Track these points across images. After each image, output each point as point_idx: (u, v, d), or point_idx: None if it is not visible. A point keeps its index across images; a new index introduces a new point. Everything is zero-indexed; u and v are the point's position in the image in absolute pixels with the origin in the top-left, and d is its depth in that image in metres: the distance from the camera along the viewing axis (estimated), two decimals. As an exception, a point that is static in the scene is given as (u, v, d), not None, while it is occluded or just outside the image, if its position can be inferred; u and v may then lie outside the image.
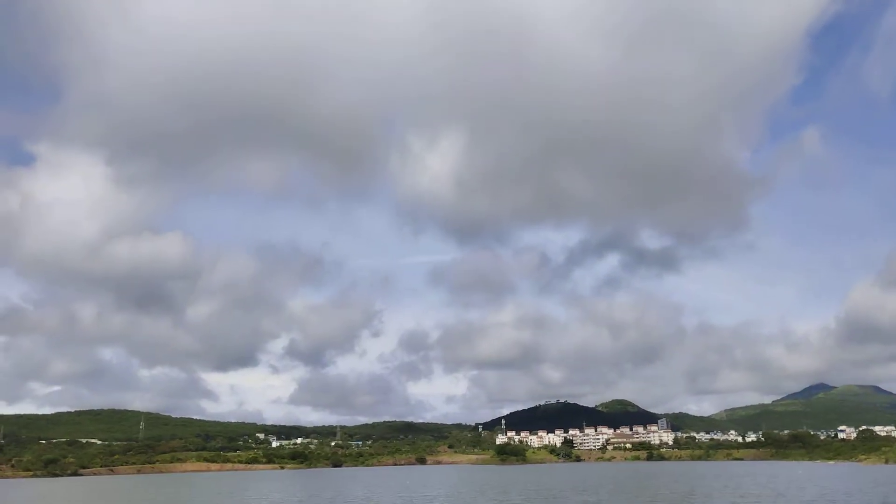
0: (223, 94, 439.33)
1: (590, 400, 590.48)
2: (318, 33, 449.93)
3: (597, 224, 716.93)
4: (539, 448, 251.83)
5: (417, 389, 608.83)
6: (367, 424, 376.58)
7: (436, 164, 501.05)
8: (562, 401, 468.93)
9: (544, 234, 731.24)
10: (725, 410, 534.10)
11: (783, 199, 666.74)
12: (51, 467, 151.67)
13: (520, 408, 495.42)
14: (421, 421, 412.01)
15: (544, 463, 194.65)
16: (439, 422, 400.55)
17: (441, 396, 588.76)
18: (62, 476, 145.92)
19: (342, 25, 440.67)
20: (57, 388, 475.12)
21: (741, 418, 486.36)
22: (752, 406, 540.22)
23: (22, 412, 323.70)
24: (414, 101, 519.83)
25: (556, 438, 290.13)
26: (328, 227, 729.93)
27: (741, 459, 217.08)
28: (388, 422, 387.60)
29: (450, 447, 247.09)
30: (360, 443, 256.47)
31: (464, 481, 75.67)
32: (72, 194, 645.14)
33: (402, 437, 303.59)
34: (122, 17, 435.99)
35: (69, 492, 75.94)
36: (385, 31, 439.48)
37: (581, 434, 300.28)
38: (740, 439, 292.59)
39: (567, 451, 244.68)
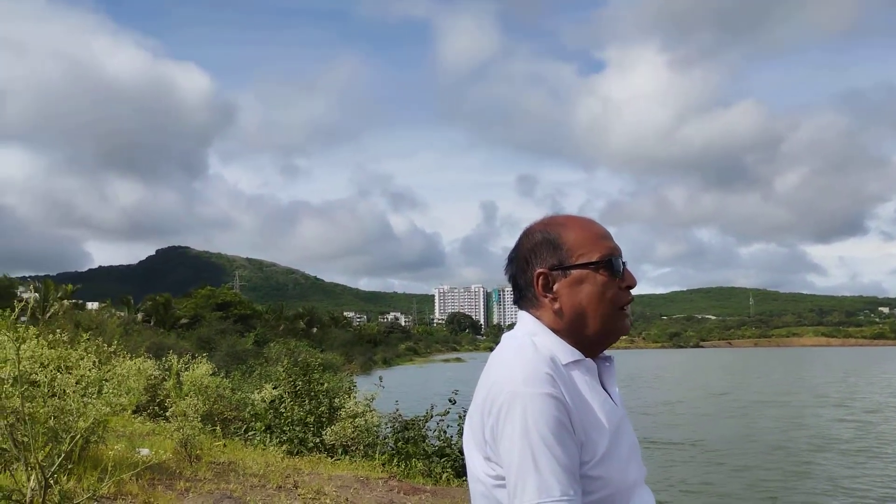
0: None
1: None
2: None
3: None
4: None
5: None
6: None
7: None
8: None
9: None
10: None
11: None
12: (675, 339, 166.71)
13: None
14: None
15: None
16: None
17: None
18: (685, 347, 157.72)
19: None
20: (666, 269, 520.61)
21: None
22: None
23: (642, 292, 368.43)
24: None
25: None
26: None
27: None
28: None
29: None
30: None
31: None
32: (639, 89, 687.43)
33: None
34: None
35: (720, 359, 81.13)
36: None
37: None
38: None
39: None
